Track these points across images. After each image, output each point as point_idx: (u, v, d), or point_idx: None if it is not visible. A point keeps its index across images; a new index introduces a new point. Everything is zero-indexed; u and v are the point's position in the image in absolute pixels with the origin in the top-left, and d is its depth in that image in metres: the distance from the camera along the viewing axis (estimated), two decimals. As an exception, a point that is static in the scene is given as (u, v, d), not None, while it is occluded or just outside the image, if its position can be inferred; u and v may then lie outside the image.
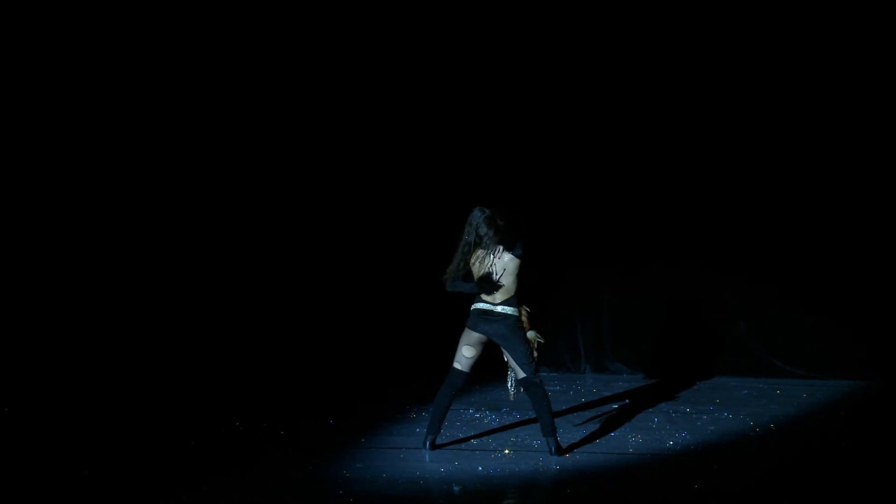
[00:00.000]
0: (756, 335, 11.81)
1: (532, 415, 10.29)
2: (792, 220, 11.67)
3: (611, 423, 9.92)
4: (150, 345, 11.78)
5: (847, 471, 8.51)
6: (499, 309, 8.82)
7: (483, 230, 8.73)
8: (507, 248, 8.78)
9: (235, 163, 12.16)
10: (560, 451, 8.87)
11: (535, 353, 8.90)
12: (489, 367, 12.15)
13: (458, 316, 9.09)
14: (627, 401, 10.84)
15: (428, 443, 9.04)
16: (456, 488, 8.17)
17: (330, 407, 10.46)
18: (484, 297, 8.83)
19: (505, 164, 11.99)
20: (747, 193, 11.74)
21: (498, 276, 8.78)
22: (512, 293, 8.84)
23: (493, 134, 12.07)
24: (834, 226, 11.57)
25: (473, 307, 8.87)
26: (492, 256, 8.78)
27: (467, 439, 9.44)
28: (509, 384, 9.06)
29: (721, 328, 11.93)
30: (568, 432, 9.61)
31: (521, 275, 8.83)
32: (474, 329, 8.87)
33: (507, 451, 9.08)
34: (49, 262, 11.74)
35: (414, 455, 9.00)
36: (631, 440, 9.41)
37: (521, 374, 8.85)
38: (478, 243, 8.77)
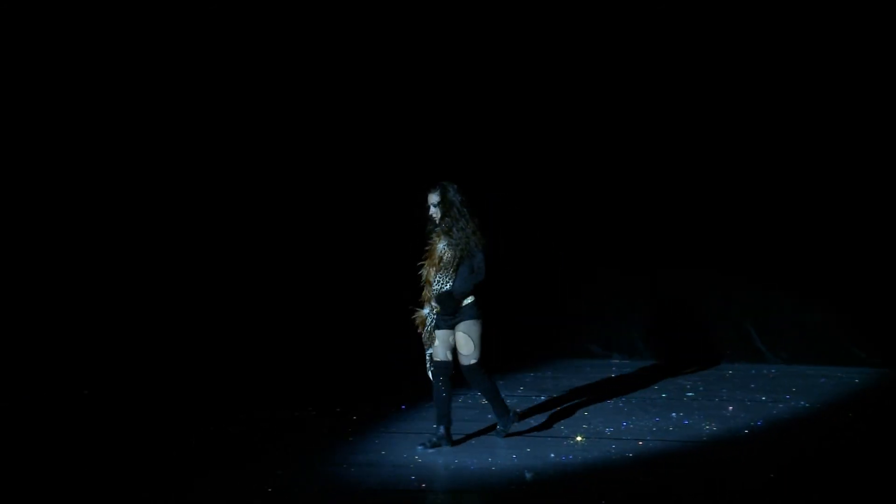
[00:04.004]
0: (835, 323, 11.64)
1: (599, 402, 10.24)
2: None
3: (684, 411, 9.83)
4: (150, 344, 11.72)
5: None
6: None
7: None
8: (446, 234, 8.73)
9: (236, 161, 12.11)
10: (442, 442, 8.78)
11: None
12: (559, 354, 12.19)
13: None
14: (701, 388, 10.74)
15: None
16: (528, 475, 8.15)
17: (362, 399, 10.41)
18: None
19: (525, 166, 12.02)
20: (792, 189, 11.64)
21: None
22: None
23: (511, 137, 12.04)
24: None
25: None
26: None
27: (539, 427, 9.39)
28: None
29: (797, 316, 11.78)
30: (641, 419, 9.54)
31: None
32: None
33: (579, 438, 9.03)
34: (49, 262, 11.69)
35: (485, 442, 8.98)
36: (705, 428, 9.32)
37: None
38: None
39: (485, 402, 9.22)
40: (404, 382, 10.56)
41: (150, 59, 11.82)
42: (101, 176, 11.91)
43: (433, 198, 8.72)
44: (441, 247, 8.72)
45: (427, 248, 8.80)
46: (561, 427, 9.37)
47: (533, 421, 9.55)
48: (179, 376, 11.37)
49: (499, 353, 11.94)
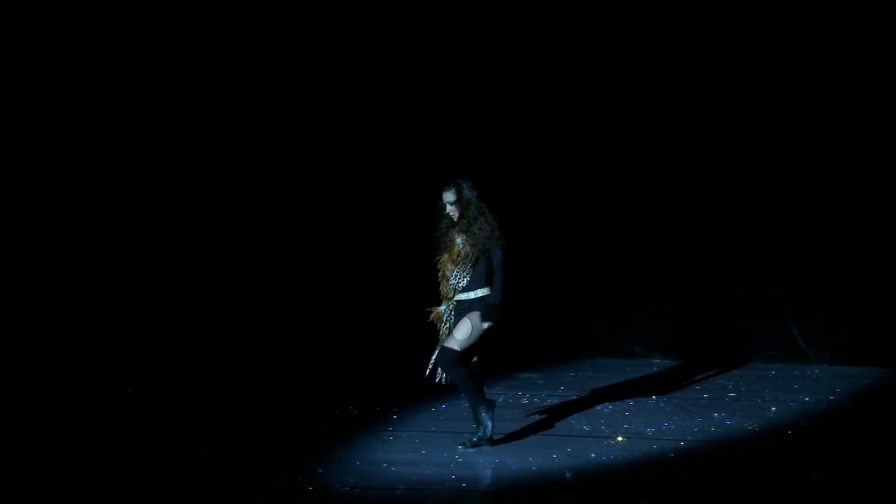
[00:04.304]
0: (879, 323, 11.54)
1: (640, 402, 10.20)
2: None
3: (726, 412, 9.76)
4: (149, 343, 11.67)
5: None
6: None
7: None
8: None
9: (235, 160, 12.07)
10: None
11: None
12: (600, 354, 12.15)
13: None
14: (744, 388, 10.67)
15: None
16: (568, 475, 8.12)
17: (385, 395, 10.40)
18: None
19: (531, 168, 12.00)
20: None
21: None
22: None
23: (522, 136, 12.02)
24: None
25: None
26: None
27: (580, 427, 9.37)
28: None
29: (842, 317, 11.68)
30: (682, 420, 9.49)
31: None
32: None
33: (619, 438, 8.99)
34: (49, 261, 11.65)
35: (526, 442, 8.95)
36: (748, 428, 9.26)
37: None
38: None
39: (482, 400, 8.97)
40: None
41: (149, 58, 11.78)
42: (102, 176, 11.84)
43: (448, 196, 8.66)
44: (460, 241, 8.68)
45: (446, 244, 8.72)
46: (602, 427, 9.33)
47: (573, 421, 9.52)
48: (177, 374, 11.31)
49: (538, 353, 12.01)
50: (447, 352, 8.65)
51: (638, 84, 11.82)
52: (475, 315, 8.65)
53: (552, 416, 9.68)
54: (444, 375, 8.75)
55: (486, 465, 8.38)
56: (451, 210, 8.68)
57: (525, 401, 10.29)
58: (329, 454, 8.68)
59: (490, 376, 11.15)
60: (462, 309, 8.69)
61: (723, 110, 11.69)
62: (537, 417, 9.62)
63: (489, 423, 8.71)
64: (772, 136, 11.61)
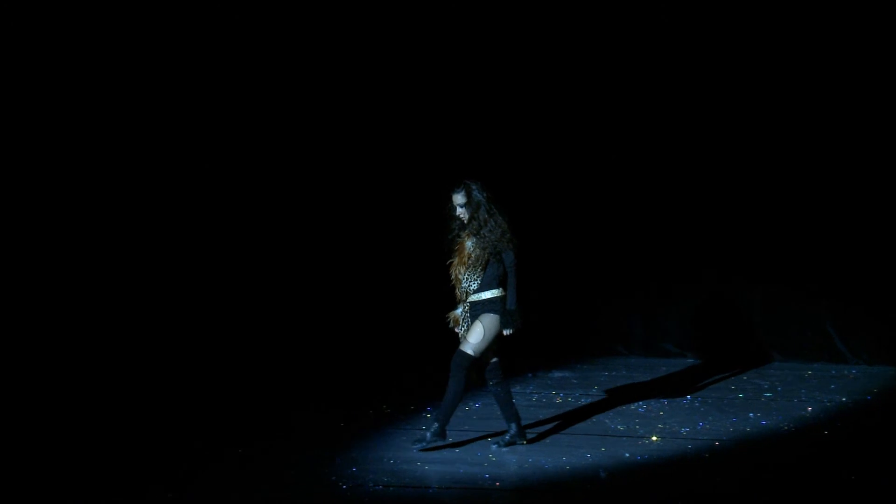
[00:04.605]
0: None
1: (675, 401, 10.17)
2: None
3: (762, 412, 9.71)
4: (149, 344, 11.56)
5: None
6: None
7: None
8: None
9: (236, 161, 12.01)
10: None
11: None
12: (634, 353, 12.11)
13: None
14: (780, 388, 10.60)
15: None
16: (602, 474, 8.09)
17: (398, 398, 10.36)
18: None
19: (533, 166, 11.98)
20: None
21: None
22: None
23: (519, 134, 12.00)
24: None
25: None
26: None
27: (614, 426, 9.34)
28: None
29: (879, 316, 11.59)
30: (717, 420, 9.44)
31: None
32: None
33: (654, 438, 8.95)
34: (48, 261, 11.48)
35: (560, 441, 8.93)
36: (784, 429, 9.20)
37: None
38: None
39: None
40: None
41: (152, 59, 11.68)
42: (102, 177, 11.69)
43: (458, 198, 8.58)
44: (470, 244, 8.61)
45: (456, 246, 8.66)
46: (636, 426, 9.29)
47: (608, 420, 9.49)
48: (177, 375, 11.22)
49: (572, 352, 11.98)
50: (461, 356, 8.59)
51: (670, 87, 11.76)
52: (487, 317, 8.60)
53: (586, 415, 9.65)
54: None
55: (520, 464, 8.36)
56: (462, 212, 8.61)
57: (559, 400, 10.26)
58: (362, 452, 8.68)
59: (524, 375, 11.18)
60: (476, 311, 8.64)
61: (759, 113, 11.63)
62: (571, 416, 9.60)
63: (427, 441, 8.58)
64: (809, 139, 11.52)
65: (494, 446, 8.71)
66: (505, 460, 8.46)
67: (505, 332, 8.60)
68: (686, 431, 9.11)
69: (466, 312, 8.69)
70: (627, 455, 8.51)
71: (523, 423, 8.88)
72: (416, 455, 8.57)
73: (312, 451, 8.82)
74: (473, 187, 8.60)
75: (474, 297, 8.65)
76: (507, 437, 8.74)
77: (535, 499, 7.84)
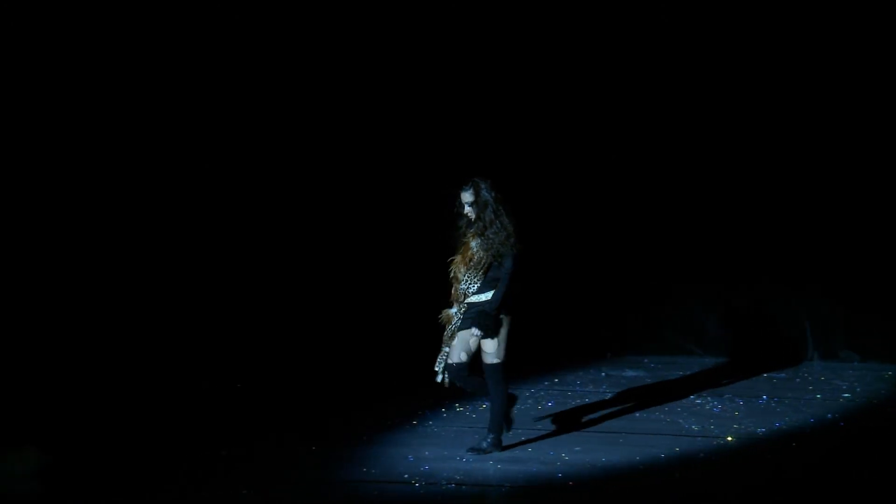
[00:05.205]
0: None
1: (751, 402, 10.07)
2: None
3: (840, 412, 9.59)
4: (148, 347, 11.47)
5: None
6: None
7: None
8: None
9: (236, 161, 11.93)
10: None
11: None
12: (713, 353, 12.01)
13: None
14: (859, 389, 10.45)
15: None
16: (677, 474, 8.03)
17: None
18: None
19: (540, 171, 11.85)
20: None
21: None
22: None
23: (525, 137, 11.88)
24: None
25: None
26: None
27: (690, 426, 9.26)
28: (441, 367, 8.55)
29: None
30: (795, 420, 9.34)
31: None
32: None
33: (729, 438, 8.86)
34: (48, 262, 11.46)
35: (632, 440, 8.87)
36: (863, 429, 9.08)
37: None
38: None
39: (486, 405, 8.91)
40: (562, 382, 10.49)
41: (152, 59, 11.63)
42: (102, 177, 11.63)
43: (466, 196, 8.44)
44: (474, 245, 8.47)
45: (461, 245, 8.51)
46: (711, 427, 9.20)
47: (682, 420, 9.42)
48: (176, 378, 11.11)
49: (645, 352, 11.91)
50: (492, 368, 8.45)
51: (682, 89, 11.69)
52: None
53: (660, 415, 9.58)
54: (445, 377, 8.53)
55: (594, 463, 8.31)
56: (469, 211, 8.45)
57: (631, 401, 10.19)
58: (434, 451, 8.68)
59: (598, 375, 11.14)
60: (472, 312, 8.45)
61: (777, 118, 11.54)
62: (644, 416, 9.53)
63: (491, 447, 8.53)
64: (835, 143, 11.40)
65: (469, 452, 8.50)
66: (578, 460, 8.42)
67: (475, 334, 8.39)
68: (762, 432, 9.02)
69: (460, 313, 8.52)
70: (702, 455, 8.44)
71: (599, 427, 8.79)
72: (488, 454, 8.54)
73: (384, 449, 8.83)
74: (482, 186, 8.43)
75: (473, 299, 8.48)
76: (483, 444, 8.55)
77: (607, 498, 7.79)
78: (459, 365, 8.47)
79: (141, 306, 11.65)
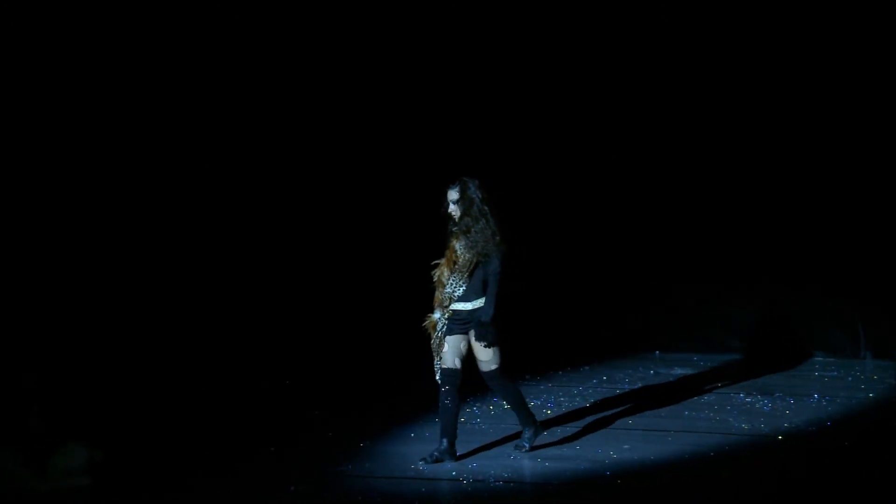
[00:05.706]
0: None
1: (801, 400, 10.00)
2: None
3: (892, 410, 9.51)
4: (148, 347, 11.42)
5: None
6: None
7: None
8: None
9: (236, 161, 11.90)
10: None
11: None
12: (759, 350, 11.93)
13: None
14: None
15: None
16: (724, 473, 7.99)
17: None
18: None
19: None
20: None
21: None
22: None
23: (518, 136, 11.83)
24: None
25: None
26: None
27: (738, 424, 9.21)
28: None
29: None
30: (846, 419, 9.28)
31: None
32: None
33: (779, 437, 8.80)
34: (48, 262, 11.39)
35: (679, 438, 8.83)
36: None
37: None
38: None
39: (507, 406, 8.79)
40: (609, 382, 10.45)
41: (152, 59, 11.61)
42: (102, 177, 11.60)
43: (452, 194, 8.27)
44: (459, 247, 8.30)
45: (446, 248, 8.34)
46: (761, 425, 9.15)
47: (731, 419, 9.36)
48: (176, 378, 11.08)
49: (694, 349, 11.85)
50: (491, 375, 8.34)
51: (685, 89, 11.64)
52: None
53: (709, 413, 9.53)
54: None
55: (642, 461, 8.29)
56: (454, 209, 8.28)
57: (680, 399, 10.15)
58: (483, 447, 8.67)
59: (646, 373, 11.09)
60: (458, 319, 8.30)
61: (778, 118, 11.47)
62: (694, 414, 9.49)
63: (534, 439, 8.50)
64: (847, 141, 11.31)
65: (421, 463, 8.28)
66: (625, 458, 8.39)
67: (480, 345, 8.26)
68: (813, 430, 8.94)
69: (445, 319, 8.36)
70: (750, 454, 8.38)
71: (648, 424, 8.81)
72: (538, 452, 8.52)
73: (432, 447, 8.82)
74: (470, 184, 8.26)
75: (459, 305, 8.30)
76: (436, 453, 8.32)
77: (655, 497, 7.76)
78: (454, 371, 8.34)
79: (138, 305, 11.64)
